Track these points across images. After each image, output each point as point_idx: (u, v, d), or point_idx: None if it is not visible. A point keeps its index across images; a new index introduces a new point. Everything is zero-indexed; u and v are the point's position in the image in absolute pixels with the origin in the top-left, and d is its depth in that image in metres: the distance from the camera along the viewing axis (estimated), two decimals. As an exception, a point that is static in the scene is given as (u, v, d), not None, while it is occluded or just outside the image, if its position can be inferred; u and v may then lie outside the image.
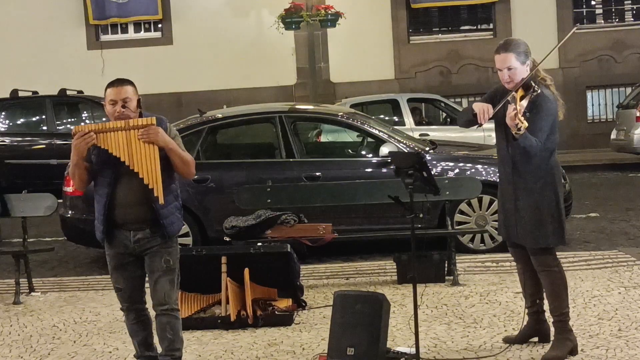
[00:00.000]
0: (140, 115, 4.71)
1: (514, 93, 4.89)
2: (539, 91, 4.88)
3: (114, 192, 4.64)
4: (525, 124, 4.70)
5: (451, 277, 7.14)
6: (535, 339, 5.31)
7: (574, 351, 5.06)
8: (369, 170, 8.62)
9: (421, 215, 5.21)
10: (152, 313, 4.85)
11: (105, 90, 4.67)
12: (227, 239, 7.40)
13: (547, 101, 4.91)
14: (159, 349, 4.88)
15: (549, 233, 4.98)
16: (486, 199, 8.41)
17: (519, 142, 4.80)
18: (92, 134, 4.54)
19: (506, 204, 5.15)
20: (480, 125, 4.98)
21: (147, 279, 4.82)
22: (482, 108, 4.92)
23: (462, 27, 20.11)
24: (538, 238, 4.99)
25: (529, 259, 5.13)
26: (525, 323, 5.33)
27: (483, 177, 8.35)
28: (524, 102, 4.86)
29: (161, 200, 4.55)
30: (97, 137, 4.55)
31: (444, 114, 16.78)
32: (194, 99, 18.13)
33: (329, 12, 17.27)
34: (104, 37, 19.99)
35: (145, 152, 4.54)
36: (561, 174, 5.16)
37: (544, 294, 5.19)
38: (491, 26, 19.79)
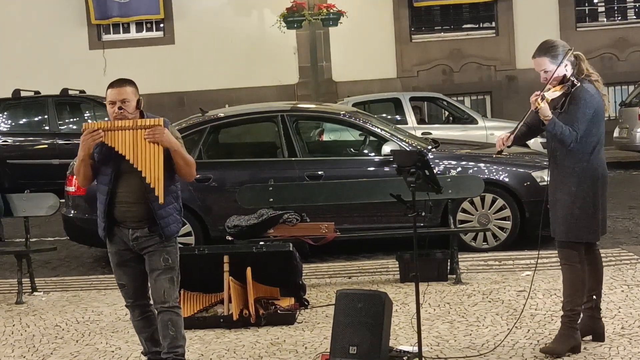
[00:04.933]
0: (142, 116, 4.79)
1: (549, 85, 4.99)
2: (578, 84, 4.94)
3: (114, 190, 4.72)
4: (542, 105, 4.82)
5: (454, 276, 7.13)
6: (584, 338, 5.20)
7: (576, 349, 5.05)
8: (371, 169, 8.62)
9: (423, 214, 5.18)
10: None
11: (106, 90, 4.77)
12: (230, 238, 7.40)
13: (586, 93, 4.93)
14: None
15: (581, 228, 4.96)
16: (489, 197, 8.40)
17: (548, 128, 4.88)
18: (100, 132, 4.65)
19: (549, 198, 5.13)
20: (500, 152, 5.29)
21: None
22: (499, 139, 5.19)
23: (465, 26, 20.08)
24: (568, 231, 4.97)
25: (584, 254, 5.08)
26: (579, 320, 5.18)
27: (485, 176, 8.33)
28: (555, 93, 4.95)
29: (161, 200, 4.62)
30: (105, 135, 4.65)
31: (446, 113, 16.76)
32: (196, 98, 18.11)
33: (331, 10, 17.26)
34: (106, 37, 19.99)
35: (150, 152, 4.63)
36: (604, 170, 5.05)
37: (600, 290, 5.19)
38: (493, 24, 19.76)
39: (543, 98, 4.87)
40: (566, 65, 5.00)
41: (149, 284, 4.84)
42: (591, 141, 4.97)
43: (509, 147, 5.26)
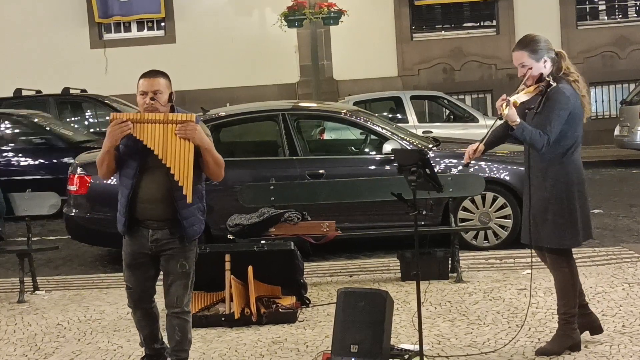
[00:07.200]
0: (172, 110, 4.63)
1: (523, 85, 4.90)
2: (554, 84, 4.81)
3: (137, 185, 4.55)
4: (506, 112, 4.69)
5: (455, 274, 7.14)
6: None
7: (575, 347, 5.05)
8: (372, 167, 8.63)
9: (424, 213, 5.19)
10: (162, 308, 4.84)
11: (138, 80, 4.60)
12: (231, 237, 7.41)
13: (561, 95, 4.79)
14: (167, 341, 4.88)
15: (562, 234, 4.90)
16: (489, 195, 8.41)
17: (516, 133, 4.75)
18: (129, 123, 4.48)
19: (525, 202, 5.08)
20: (467, 164, 5.34)
21: (160, 277, 4.78)
22: (468, 149, 5.18)
23: (465, 24, 20.07)
24: (551, 237, 4.92)
25: None
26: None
27: (486, 174, 8.34)
28: (524, 96, 4.84)
29: (189, 199, 4.46)
30: (133, 127, 4.48)
31: (447, 111, 16.77)
32: (196, 97, 18.09)
33: (332, 9, 17.26)
34: (107, 36, 20.01)
35: (180, 148, 4.45)
36: (580, 173, 4.94)
37: (580, 288, 5.15)
38: (494, 23, 19.76)
39: (509, 103, 4.71)
40: (545, 61, 4.86)
41: (163, 286, 4.73)
42: (565, 144, 4.83)
43: (484, 152, 5.17)
